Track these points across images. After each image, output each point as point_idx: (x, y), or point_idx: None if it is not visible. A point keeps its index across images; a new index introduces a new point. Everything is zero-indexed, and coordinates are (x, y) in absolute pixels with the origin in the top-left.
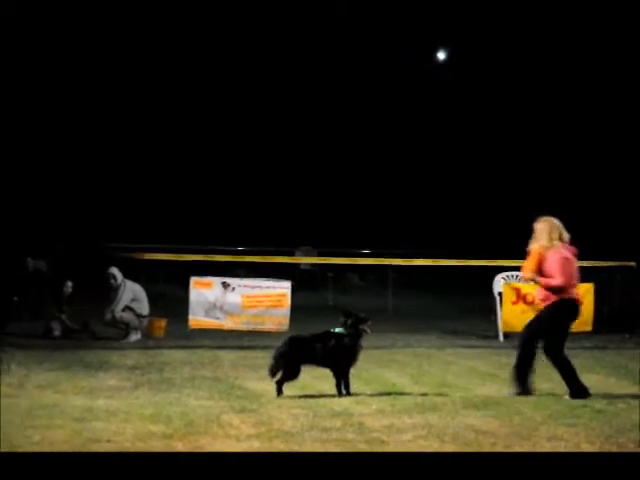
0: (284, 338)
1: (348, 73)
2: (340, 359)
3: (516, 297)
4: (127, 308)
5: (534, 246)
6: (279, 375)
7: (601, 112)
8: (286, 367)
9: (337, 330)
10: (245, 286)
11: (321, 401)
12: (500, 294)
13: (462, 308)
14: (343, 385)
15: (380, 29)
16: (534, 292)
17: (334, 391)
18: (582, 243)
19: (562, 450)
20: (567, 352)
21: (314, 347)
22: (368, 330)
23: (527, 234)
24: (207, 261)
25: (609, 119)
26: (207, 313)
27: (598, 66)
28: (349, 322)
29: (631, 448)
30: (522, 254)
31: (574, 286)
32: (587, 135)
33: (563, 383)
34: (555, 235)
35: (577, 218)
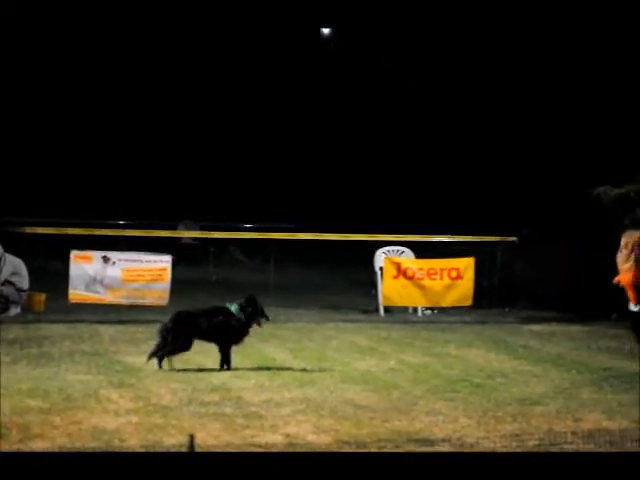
0: (171, 313)
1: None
2: (225, 336)
3: (397, 272)
4: (7, 282)
5: None
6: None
7: (469, 84)
8: (172, 341)
9: (232, 308)
10: (126, 260)
11: (200, 375)
12: (381, 269)
13: (344, 283)
14: (224, 360)
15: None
16: (414, 267)
17: (213, 365)
18: (463, 219)
19: (440, 424)
20: (447, 327)
21: (200, 322)
22: (262, 326)
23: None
24: (89, 235)
25: (487, 92)
26: (87, 287)
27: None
28: (249, 310)
29: (508, 422)
30: (403, 229)
31: None
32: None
33: (440, 357)
34: None
35: (460, 194)
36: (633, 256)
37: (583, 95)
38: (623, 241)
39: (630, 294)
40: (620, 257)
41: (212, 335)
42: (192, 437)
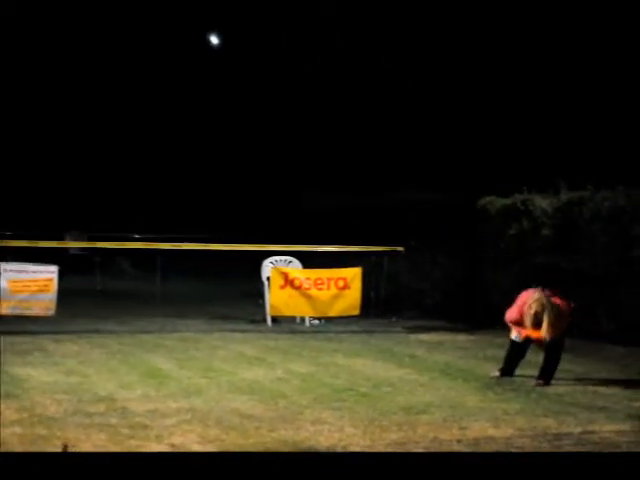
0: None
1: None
2: None
3: (284, 282)
4: None
5: None
6: None
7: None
8: None
9: None
10: (11, 271)
11: (86, 386)
12: (268, 279)
13: (232, 293)
14: None
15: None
16: (301, 277)
17: (99, 376)
18: (351, 228)
19: (326, 433)
20: (334, 336)
21: None
22: None
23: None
24: None
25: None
26: None
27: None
28: None
29: (394, 430)
30: (290, 239)
31: None
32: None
33: (327, 366)
34: None
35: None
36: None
37: (469, 105)
38: (525, 300)
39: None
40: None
41: None
42: (66, 446)
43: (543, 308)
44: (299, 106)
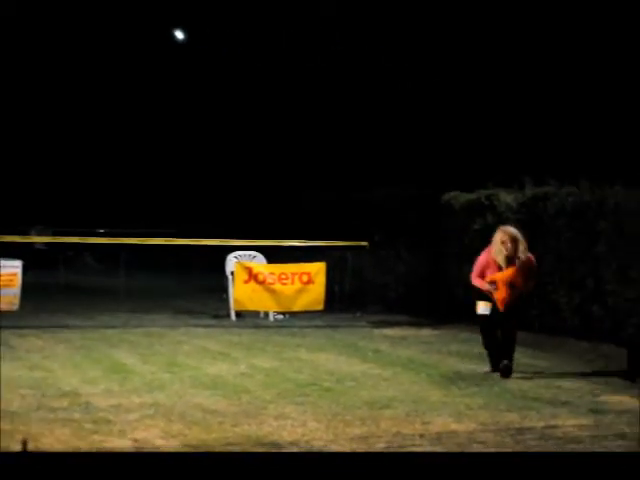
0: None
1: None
2: None
3: (248, 276)
4: None
5: None
6: None
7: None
8: None
9: None
10: None
11: (50, 380)
12: (232, 273)
13: (197, 288)
14: None
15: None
16: (265, 271)
17: (63, 371)
18: (315, 223)
19: (289, 428)
20: (298, 331)
21: None
22: None
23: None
24: None
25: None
26: None
27: None
28: None
29: (357, 425)
30: (253, 234)
31: None
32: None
33: (291, 361)
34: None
35: (312, 199)
36: (502, 250)
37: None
38: (499, 237)
39: (500, 295)
40: (497, 253)
41: None
42: (25, 442)
43: (514, 241)
44: (274, 101)
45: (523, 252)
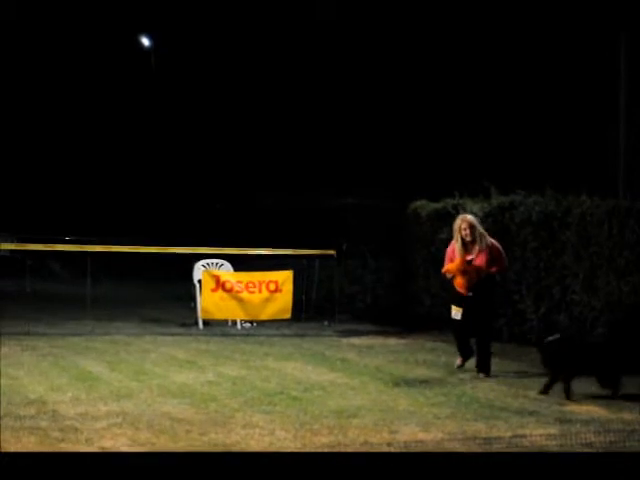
0: None
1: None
2: None
3: (215, 285)
4: None
5: None
6: None
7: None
8: None
9: None
10: None
11: (16, 388)
12: (200, 281)
13: (164, 296)
14: None
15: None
16: (233, 279)
17: (30, 378)
18: (283, 232)
19: (257, 437)
20: (265, 340)
21: None
22: None
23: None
24: None
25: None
26: None
27: None
28: None
29: (324, 434)
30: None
31: None
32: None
33: (258, 370)
34: None
35: (277, 207)
36: (461, 238)
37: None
38: (457, 225)
39: (458, 281)
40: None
41: None
42: None
43: (471, 227)
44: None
45: (480, 237)
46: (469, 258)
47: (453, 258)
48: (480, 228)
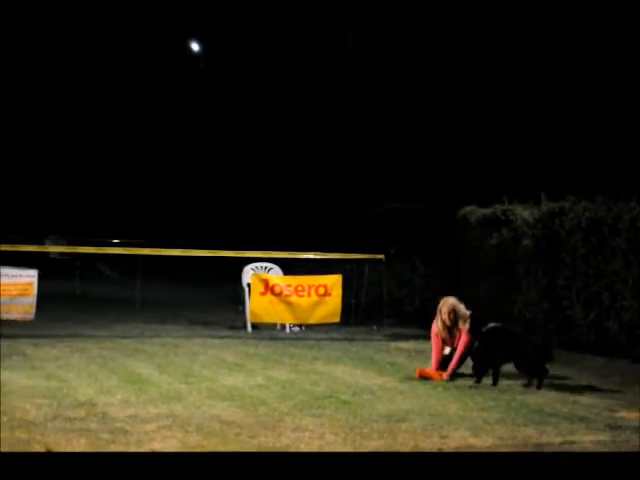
0: None
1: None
2: None
3: (264, 288)
4: None
5: None
6: None
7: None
8: None
9: None
10: None
11: (65, 390)
12: (249, 285)
13: (213, 299)
14: None
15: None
16: (282, 283)
17: (79, 380)
18: (332, 236)
19: (307, 440)
20: (314, 343)
21: None
22: None
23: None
24: None
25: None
26: None
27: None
28: None
29: (375, 438)
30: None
31: None
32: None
33: (307, 373)
34: None
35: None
36: (441, 322)
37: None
38: (440, 306)
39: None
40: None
41: None
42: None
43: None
44: (289, 114)
45: (464, 319)
46: (447, 351)
47: (437, 335)
48: (462, 309)
